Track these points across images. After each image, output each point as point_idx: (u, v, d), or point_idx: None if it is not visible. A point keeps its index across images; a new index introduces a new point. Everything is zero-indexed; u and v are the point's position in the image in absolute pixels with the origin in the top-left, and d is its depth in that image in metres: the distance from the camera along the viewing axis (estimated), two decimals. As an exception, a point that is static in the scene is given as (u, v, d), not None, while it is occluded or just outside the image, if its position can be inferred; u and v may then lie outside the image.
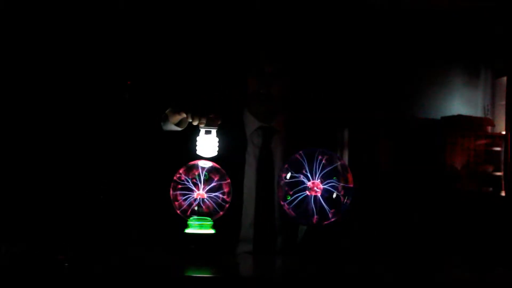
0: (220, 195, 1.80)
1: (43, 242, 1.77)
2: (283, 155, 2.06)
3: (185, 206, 1.79)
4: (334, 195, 1.71)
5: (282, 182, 1.73)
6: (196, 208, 1.78)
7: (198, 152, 1.78)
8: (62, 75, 3.15)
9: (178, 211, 1.79)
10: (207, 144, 1.79)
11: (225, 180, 1.80)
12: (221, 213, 1.79)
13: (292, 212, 1.72)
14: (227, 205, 1.79)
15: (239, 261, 1.87)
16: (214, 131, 1.79)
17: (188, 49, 3.31)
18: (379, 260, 1.83)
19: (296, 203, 1.72)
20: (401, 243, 2.93)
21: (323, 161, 1.72)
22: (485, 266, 1.76)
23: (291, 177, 1.73)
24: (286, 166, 1.74)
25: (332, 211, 1.71)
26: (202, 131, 1.79)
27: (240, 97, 2.11)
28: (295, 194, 1.72)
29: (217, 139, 1.79)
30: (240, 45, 2.67)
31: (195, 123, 1.81)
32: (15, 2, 3.11)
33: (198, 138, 1.79)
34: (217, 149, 1.79)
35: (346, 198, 1.71)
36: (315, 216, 1.70)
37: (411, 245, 2.90)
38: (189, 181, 1.78)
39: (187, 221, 1.77)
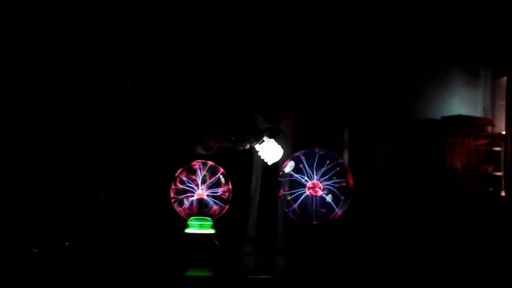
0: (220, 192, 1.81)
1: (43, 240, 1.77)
2: (288, 155, 2.07)
3: (185, 205, 1.79)
4: (329, 198, 1.72)
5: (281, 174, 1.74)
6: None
7: (265, 160, 1.85)
8: (62, 75, 3.15)
9: (180, 211, 1.79)
10: (267, 151, 1.84)
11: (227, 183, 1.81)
12: (216, 208, 1.79)
13: (293, 215, 1.72)
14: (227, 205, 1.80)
15: (240, 261, 1.88)
16: (266, 139, 1.85)
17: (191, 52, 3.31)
18: (379, 260, 1.83)
19: (296, 203, 1.72)
20: (401, 243, 2.93)
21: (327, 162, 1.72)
22: (485, 266, 1.76)
23: (288, 174, 1.73)
24: (287, 161, 1.76)
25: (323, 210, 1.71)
26: (257, 146, 1.84)
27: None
28: (294, 195, 1.73)
29: (275, 143, 1.84)
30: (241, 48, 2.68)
31: (246, 147, 1.86)
32: (15, 1, 3.11)
33: (257, 149, 1.84)
34: (280, 152, 1.84)
35: (342, 202, 1.71)
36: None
37: (411, 245, 2.90)
38: (190, 182, 1.79)
39: (187, 221, 1.77)
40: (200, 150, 1.95)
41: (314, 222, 1.70)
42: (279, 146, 1.87)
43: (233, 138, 1.84)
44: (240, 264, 1.82)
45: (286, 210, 1.74)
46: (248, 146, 1.87)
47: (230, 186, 1.81)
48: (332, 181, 1.73)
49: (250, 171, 2.09)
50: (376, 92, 3.49)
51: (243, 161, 2.06)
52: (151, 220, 2.24)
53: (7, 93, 3.07)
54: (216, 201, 1.80)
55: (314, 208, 1.72)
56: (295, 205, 1.73)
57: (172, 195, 1.80)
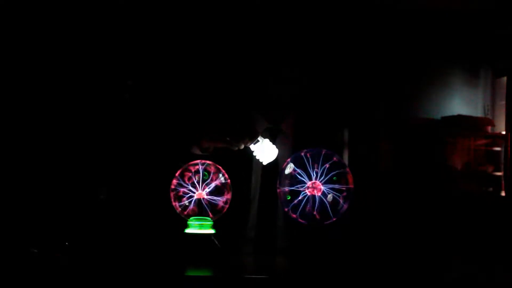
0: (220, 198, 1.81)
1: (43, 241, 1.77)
2: (287, 155, 2.07)
3: (186, 204, 1.79)
4: (330, 197, 1.71)
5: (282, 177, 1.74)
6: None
7: (260, 160, 1.84)
8: (61, 75, 3.15)
9: (180, 211, 1.79)
10: (263, 151, 1.84)
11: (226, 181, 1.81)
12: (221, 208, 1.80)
13: (293, 214, 1.72)
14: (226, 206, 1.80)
15: (240, 261, 1.87)
16: (261, 139, 1.84)
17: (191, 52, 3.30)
18: (378, 260, 1.83)
19: (296, 203, 1.72)
20: (401, 243, 2.93)
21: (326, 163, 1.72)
22: (485, 266, 1.76)
23: (290, 173, 1.73)
24: (287, 161, 1.76)
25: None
26: (252, 146, 1.84)
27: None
28: (295, 195, 1.72)
29: (270, 143, 1.84)
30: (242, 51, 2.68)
31: (241, 147, 1.86)
32: (15, 1, 3.11)
33: (253, 150, 1.84)
34: (275, 151, 1.84)
35: (343, 201, 1.71)
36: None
37: (411, 246, 2.90)
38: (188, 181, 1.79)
39: (187, 221, 1.77)
40: (196, 151, 1.95)
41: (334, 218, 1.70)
42: (274, 146, 1.86)
43: (227, 139, 1.84)
44: (240, 264, 1.82)
45: (286, 210, 1.73)
46: (242, 147, 1.87)
47: (229, 181, 1.81)
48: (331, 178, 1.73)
49: (250, 171, 2.09)
50: (376, 92, 3.49)
51: (243, 161, 2.07)
52: (151, 220, 2.24)
53: (7, 93, 3.07)
54: (215, 199, 1.80)
55: (316, 207, 1.72)
56: (294, 204, 1.73)
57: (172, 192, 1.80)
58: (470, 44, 3.55)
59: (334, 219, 1.71)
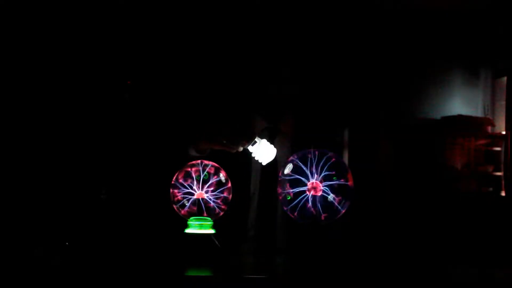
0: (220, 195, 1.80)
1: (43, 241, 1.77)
2: (287, 155, 2.07)
3: (186, 206, 1.80)
4: (330, 198, 1.71)
5: (280, 178, 1.74)
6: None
7: (259, 161, 1.83)
8: (62, 75, 3.15)
9: (178, 209, 1.79)
10: (261, 152, 1.83)
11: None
12: (221, 213, 1.80)
13: (292, 215, 1.72)
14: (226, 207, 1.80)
15: (240, 261, 1.88)
16: (258, 139, 1.83)
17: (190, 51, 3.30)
18: (379, 260, 1.83)
19: (296, 203, 1.72)
20: (401, 243, 2.93)
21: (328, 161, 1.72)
22: (485, 266, 1.76)
23: (288, 174, 1.73)
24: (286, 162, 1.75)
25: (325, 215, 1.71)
26: (250, 147, 1.83)
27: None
28: (295, 195, 1.72)
29: (268, 144, 1.83)
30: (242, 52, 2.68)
31: (239, 150, 1.85)
32: (15, 1, 3.11)
33: (251, 151, 1.83)
34: (273, 151, 1.83)
35: (342, 201, 1.71)
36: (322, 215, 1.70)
37: (411, 245, 2.90)
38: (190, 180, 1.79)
39: (187, 221, 1.77)
40: (193, 152, 1.94)
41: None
42: (272, 146, 1.86)
43: (224, 142, 1.84)
44: (240, 264, 1.82)
45: (285, 208, 1.73)
46: (241, 149, 1.86)
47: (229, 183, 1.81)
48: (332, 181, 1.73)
49: (250, 171, 2.09)
50: (376, 92, 3.49)
51: (242, 161, 2.06)
52: (151, 220, 2.24)
53: (8, 93, 3.07)
54: (217, 200, 1.80)
55: (318, 208, 1.72)
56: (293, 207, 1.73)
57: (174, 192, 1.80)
58: (470, 44, 3.55)
59: (342, 211, 1.70)
